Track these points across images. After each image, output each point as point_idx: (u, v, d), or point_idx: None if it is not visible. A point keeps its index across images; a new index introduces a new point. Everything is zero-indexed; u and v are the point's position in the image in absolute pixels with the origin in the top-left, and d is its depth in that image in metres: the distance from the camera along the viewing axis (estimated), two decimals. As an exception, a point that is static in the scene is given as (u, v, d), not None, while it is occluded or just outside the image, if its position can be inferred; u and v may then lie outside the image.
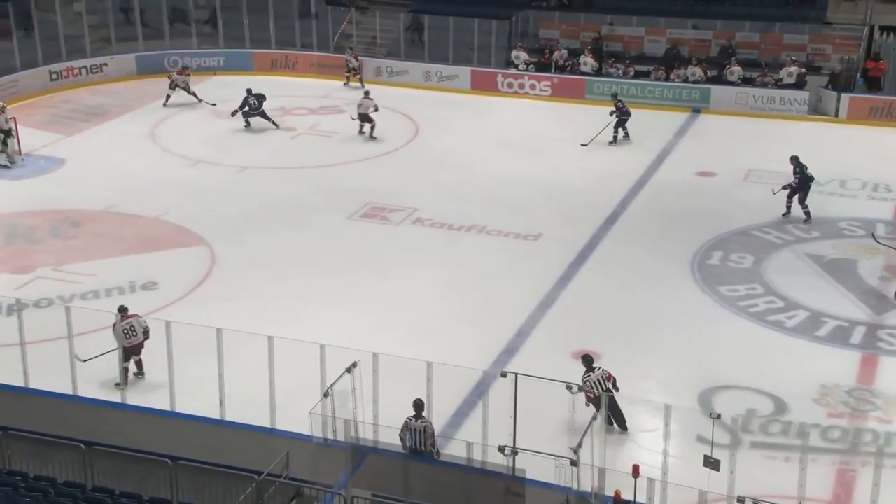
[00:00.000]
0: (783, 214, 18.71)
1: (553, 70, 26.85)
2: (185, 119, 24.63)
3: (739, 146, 23.16)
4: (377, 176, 21.16)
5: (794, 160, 18.70)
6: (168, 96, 25.09)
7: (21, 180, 20.56)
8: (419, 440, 10.89)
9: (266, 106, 23.59)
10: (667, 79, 26.16)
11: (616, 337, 14.75)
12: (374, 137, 22.98)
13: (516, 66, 26.96)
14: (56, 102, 25.45)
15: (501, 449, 10.25)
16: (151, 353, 11.89)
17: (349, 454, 10.71)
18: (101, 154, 22.06)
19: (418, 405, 10.99)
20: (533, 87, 26.45)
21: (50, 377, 12.26)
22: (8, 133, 21.04)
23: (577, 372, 12.23)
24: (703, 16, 27.38)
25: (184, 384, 11.88)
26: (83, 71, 26.89)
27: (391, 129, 23.87)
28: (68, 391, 12.10)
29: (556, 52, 26.93)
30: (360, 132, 23.17)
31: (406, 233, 18.38)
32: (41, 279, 16.17)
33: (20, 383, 12.26)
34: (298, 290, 16.00)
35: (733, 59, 26.08)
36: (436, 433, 11.23)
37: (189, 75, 25.49)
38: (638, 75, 26.51)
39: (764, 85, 25.58)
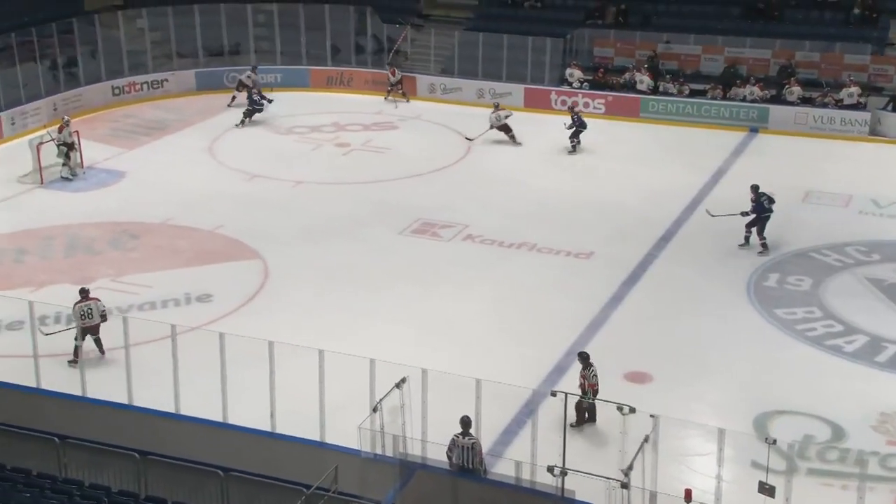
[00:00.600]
0: (740, 245, 18.10)
1: (607, 88, 26.74)
2: (243, 134, 25.02)
3: (798, 166, 22.77)
4: (428, 192, 21.24)
5: (754, 189, 18.15)
6: (234, 97, 26.20)
7: (83, 193, 21.07)
8: (467, 458, 10.85)
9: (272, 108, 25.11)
10: (724, 97, 25.88)
11: (668, 358, 14.56)
12: (519, 143, 23.84)
13: (570, 84, 26.90)
14: (118, 117, 26.06)
15: (550, 469, 10.17)
16: (205, 365, 12.04)
17: (398, 469, 10.73)
18: (160, 168, 22.51)
19: (465, 422, 10.94)
20: (587, 104, 26.34)
21: (107, 386, 12.49)
22: (71, 146, 21.60)
23: (629, 393, 12.12)
24: (761, 34, 27.04)
25: (236, 396, 12.01)
26: (145, 86, 27.52)
27: (443, 146, 23.97)
28: (124, 400, 12.31)
29: (628, 73, 26.69)
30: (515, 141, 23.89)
31: (457, 249, 18.40)
32: (101, 290, 16.46)
33: (77, 392, 12.52)
34: (349, 304, 16.10)
35: (793, 78, 25.69)
36: (483, 450, 11.17)
37: (256, 74, 26.55)
38: (694, 94, 26.27)
39: (824, 105, 25.14)
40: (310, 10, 29.09)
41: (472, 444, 10.89)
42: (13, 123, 24.14)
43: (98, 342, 13.99)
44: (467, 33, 28.75)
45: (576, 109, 24.36)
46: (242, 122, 24.98)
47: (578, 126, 23.43)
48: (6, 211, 19.95)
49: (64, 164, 21.50)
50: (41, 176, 21.26)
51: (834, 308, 16.07)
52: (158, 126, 25.46)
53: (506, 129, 23.89)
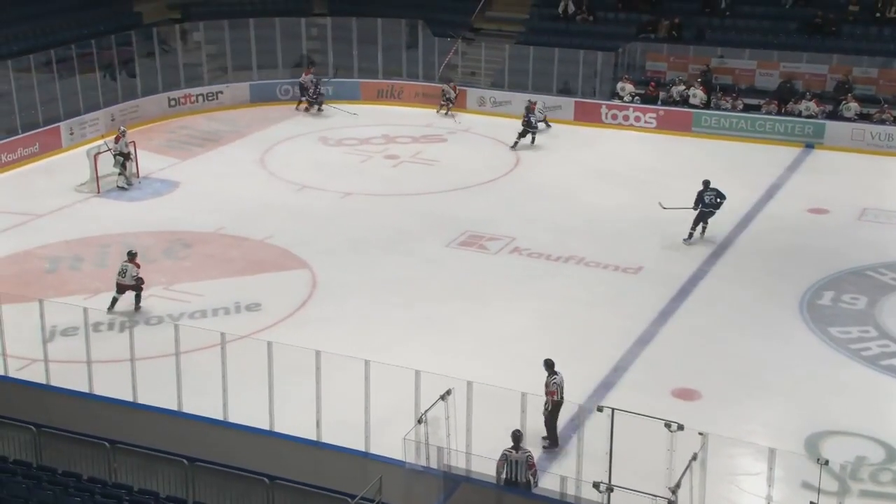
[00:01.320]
0: (684, 239, 18.89)
1: (660, 102, 26.54)
2: (293, 146, 25.33)
3: (854, 183, 22.35)
4: (477, 205, 21.25)
5: (704, 183, 18.86)
6: (300, 101, 27.35)
7: (138, 202, 21.49)
8: (518, 472, 10.77)
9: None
10: (779, 113, 25.51)
11: (718, 376, 14.35)
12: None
13: (621, 98, 26.75)
14: (174, 128, 26.56)
15: (596, 485, 10.07)
16: (253, 374, 12.16)
17: (442, 482, 10.70)
18: (213, 178, 22.87)
19: (517, 436, 10.88)
20: (638, 118, 26.17)
21: (157, 393, 12.68)
22: (127, 157, 22.05)
23: (677, 410, 11.95)
24: (818, 50, 26.61)
25: (283, 404, 12.11)
26: (200, 98, 28.01)
27: (491, 159, 23.98)
28: (174, 407, 12.49)
29: (673, 88, 26.53)
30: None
31: (504, 262, 18.37)
32: (153, 297, 16.80)
33: (129, 398, 12.73)
34: (395, 315, 16.16)
35: (850, 94, 25.24)
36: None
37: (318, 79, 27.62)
38: (748, 109, 25.93)
39: (882, 122, 24.65)
40: (362, 23, 29.39)
41: (526, 457, 10.82)
42: (72, 133, 24.73)
43: (137, 297, 16.15)
44: (518, 47, 28.77)
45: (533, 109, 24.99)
46: (313, 106, 26.81)
47: (531, 128, 24.46)
48: (64, 219, 20.42)
49: (120, 174, 21.95)
50: (98, 185, 21.73)
51: (889, 327, 15.70)
52: (212, 137, 25.88)
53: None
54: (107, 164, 21.88)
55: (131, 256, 16.22)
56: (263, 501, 10.48)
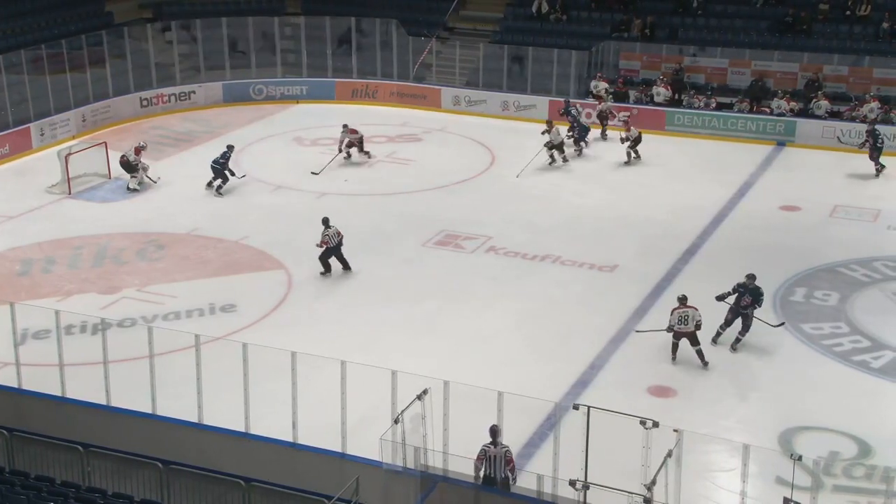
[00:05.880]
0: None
1: (631, 101, 26.69)
2: (268, 146, 25.21)
3: (826, 181, 22.58)
4: (452, 204, 21.26)
5: (749, 277, 15.17)
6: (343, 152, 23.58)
7: (110, 203, 21.28)
8: (497, 467, 10.77)
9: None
10: (751, 111, 25.72)
11: (692, 373, 14.44)
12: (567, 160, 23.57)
13: (595, 96, 26.86)
14: (146, 128, 26.34)
15: (573, 483, 10.11)
16: (229, 376, 12.09)
17: (419, 482, 10.70)
18: (187, 179, 22.68)
19: (494, 431, 10.89)
20: (612, 115, 26.28)
21: (131, 395, 12.57)
22: (134, 167, 21.64)
23: (652, 407, 11.97)
24: (789, 48, 26.88)
25: (258, 406, 12.06)
26: (172, 98, 27.80)
27: (467, 158, 24.00)
28: (148, 410, 12.39)
29: (654, 88, 26.62)
30: (551, 162, 23.28)
31: (480, 261, 18.39)
32: (126, 299, 16.66)
33: (102, 401, 12.61)
34: (372, 316, 16.13)
35: (820, 92, 25.51)
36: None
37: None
38: (721, 107, 26.13)
39: (852, 119, 24.92)
40: (336, 22, 29.30)
41: (505, 452, 10.82)
42: (42, 134, 24.48)
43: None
44: (492, 46, 28.81)
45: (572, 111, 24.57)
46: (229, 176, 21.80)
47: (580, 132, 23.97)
48: (35, 221, 20.20)
49: (132, 177, 21.62)
50: (69, 186, 21.52)
51: (861, 323, 15.88)
52: (185, 138, 25.70)
53: (560, 147, 23.29)
54: (77, 165, 21.67)
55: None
56: (240, 503, 10.43)
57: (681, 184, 22.39)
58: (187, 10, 29.97)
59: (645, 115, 26.08)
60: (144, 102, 27.23)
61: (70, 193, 21.46)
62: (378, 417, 11.21)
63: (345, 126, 23.53)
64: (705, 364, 14.52)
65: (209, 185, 21.73)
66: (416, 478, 10.81)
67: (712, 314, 14.95)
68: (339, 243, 17.45)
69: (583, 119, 24.75)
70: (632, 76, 27.60)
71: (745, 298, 14.87)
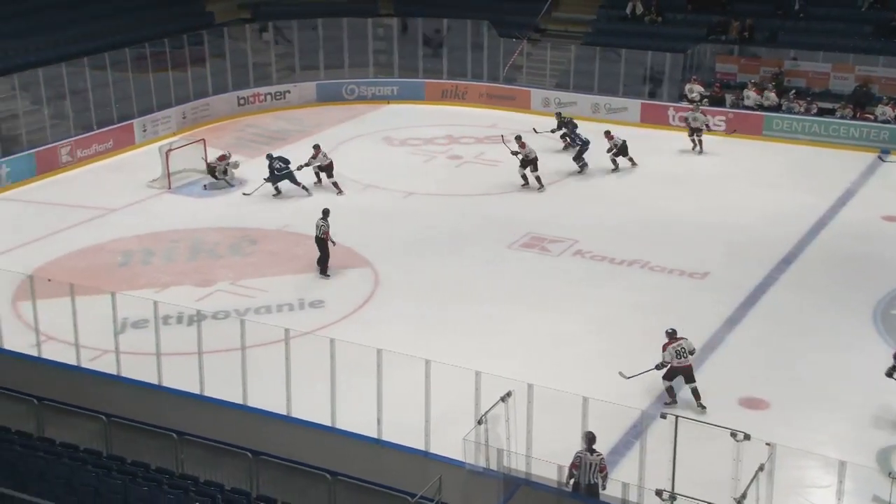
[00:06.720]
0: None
1: (727, 105, 26.12)
2: (358, 145, 25.55)
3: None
4: (539, 206, 21.18)
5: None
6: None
7: (207, 199, 21.90)
8: (590, 475, 10.68)
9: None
10: (854, 117, 24.88)
11: (786, 385, 14.07)
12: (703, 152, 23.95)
13: (689, 100, 26.38)
14: (242, 126, 27.01)
15: (659, 493, 9.96)
16: (316, 370, 12.31)
17: (501, 484, 10.70)
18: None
19: (590, 438, 10.77)
20: (706, 127, 25.76)
21: (223, 386, 12.92)
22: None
23: (744, 419, 11.72)
24: (894, 53, 25.88)
25: (344, 401, 12.24)
26: (268, 97, 28.45)
27: (555, 160, 23.86)
28: (239, 400, 12.71)
29: (745, 91, 26.04)
30: (694, 148, 23.92)
31: (566, 264, 18.28)
32: (220, 292, 17.13)
33: (196, 390, 13.00)
34: (456, 315, 16.20)
35: (927, 97, 24.56)
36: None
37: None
38: (822, 113, 25.35)
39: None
40: (428, 24, 29.51)
41: (600, 459, 10.72)
42: (144, 130, 25.37)
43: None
44: (584, 48, 28.58)
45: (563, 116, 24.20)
46: (277, 191, 21.80)
47: (580, 144, 23.05)
48: (136, 214, 20.94)
49: (219, 180, 22.23)
50: (169, 181, 22.23)
51: (966, 340, 15.20)
52: (279, 136, 26.24)
53: (534, 164, 21.85)
54: (176, 161, 22.36)
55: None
56: (325, 496, 10.60)
57: (777, 190, 21.82)
58: (284, 11, 30.62)
59: (741, 120, 25.50)
60: (241, 101, 27.94)
61: (170, 188, 22.18)
62: (459, 417, 11.26)
63: (316, 146, 21.98)
64: (703, 408, 13.21)
65: (277, 191, 21.69)
66: (499, 479, 10.81)
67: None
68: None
69: (581, 132, 23.51)
70: (728, 80, 27.01)
71: None
